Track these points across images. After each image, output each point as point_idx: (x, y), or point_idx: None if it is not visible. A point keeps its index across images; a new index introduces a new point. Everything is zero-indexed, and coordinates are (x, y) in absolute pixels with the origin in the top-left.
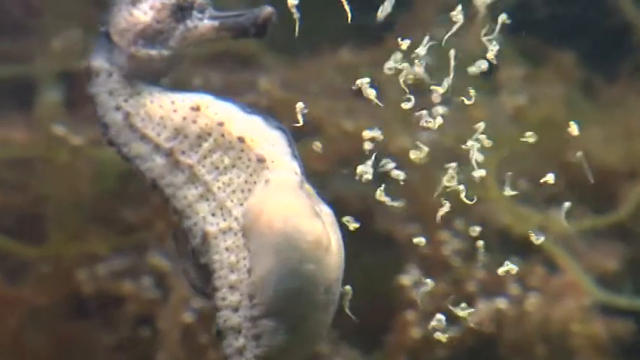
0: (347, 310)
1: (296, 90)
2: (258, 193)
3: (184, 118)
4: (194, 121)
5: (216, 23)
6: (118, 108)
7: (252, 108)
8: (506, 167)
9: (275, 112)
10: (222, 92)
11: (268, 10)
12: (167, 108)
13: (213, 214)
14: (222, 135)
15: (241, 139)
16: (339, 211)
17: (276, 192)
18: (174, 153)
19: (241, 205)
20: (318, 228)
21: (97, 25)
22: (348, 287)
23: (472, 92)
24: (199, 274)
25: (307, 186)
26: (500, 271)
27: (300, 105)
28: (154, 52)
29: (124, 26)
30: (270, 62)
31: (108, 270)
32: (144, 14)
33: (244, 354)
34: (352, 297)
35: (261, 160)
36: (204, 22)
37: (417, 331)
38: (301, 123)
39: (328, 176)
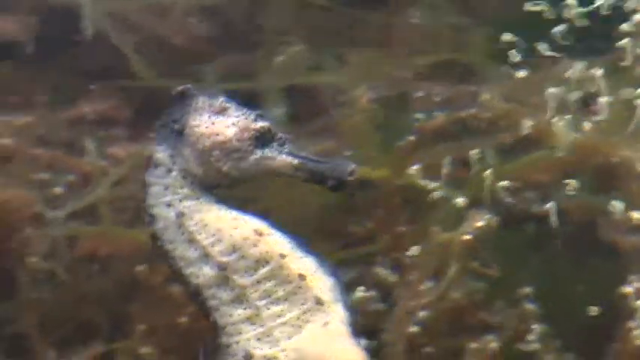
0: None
1: (517, 101)
2: (320, 335)
3: (245, 239)
4: (255, 245)
5: (295, 161)
6: (169, 205)
7: (307, 249)
8: None
9: (496, 125)
10: (446, 104)
11: (353, 167)
12: (227, 223)
13: (258, 339)
14: (281, 267)
15: (302, 277)
16: (561, 222)
17: (340, 339)
18: (228, 269)
19: (289, 338)
20: None
21: (163, 119)
22: None
23: None
24: None
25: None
26: None
27: (527, 122)
28: (225, 168)
29: (203, 132)
30: (491, 73)
31: None
32: (226, 128)
33: None
34: (577, 306)
35: (319, 303)
36: (282, 156)
37: None
38: (523, 134)
39: (551, 187)
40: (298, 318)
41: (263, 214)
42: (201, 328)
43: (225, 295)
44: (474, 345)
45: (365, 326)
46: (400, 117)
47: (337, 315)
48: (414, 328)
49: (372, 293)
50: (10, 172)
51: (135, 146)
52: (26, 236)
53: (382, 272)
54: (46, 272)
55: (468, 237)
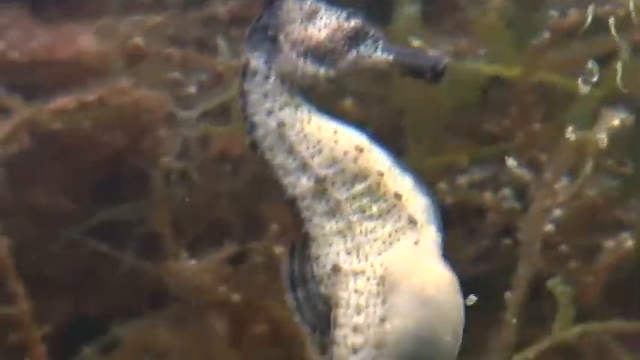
0: None
1: None
2: (409, 252)
3: (345, 153)
4: (354, 160)
5: (390, 57)
6: (270, 112)
7: (406, 166)
8: None
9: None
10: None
11: (447, 58)
12: (328, 135)
13: (348, 253)
14: (378, 184)
15: (398, 196)
16: None
17: (429, 258)
18: (325, 182)
19: (379, 254)
20: (461, 304)
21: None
22: None
23: None
24: (309, 302)
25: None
26: None
27: None
28: (322, 71)
29: (297, 37)
30: None
31: (468, 181)
32: (318, 31)
33: None
34: None
35: (412, 222)
36: (378, 53)
37: None
38: None
39: None
40: (390, 235)
41: (393, 116)
42: None
43: (319, 207)
44: (608, 243)
45: (500, 225)
46: (534, 14)
47: (429, 236)
48: (549, 227)
49: (507, 191)
50: (142, 72)
51: None
52: (159, 136)
53: (517, 170)
54: (178, 172)
55: (602, 135)
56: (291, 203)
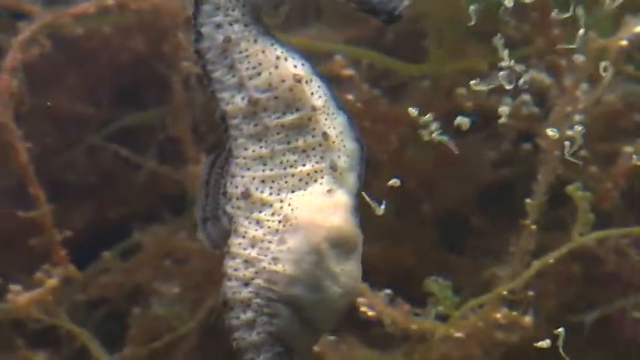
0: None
1: None
2: (319, 201)
3: (283, 81)
4: (290, 89)
5: None
6: (219, 26)
7: (341, 105)
8: None
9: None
10: None
11: (406, 4)
12: (270, 59)
13: (262, 181)
14: (310, 119)
15: (326, 136)
16: None
17: (337, 213)
18: (258, 105)
19: (292, 192)
20: (357, 265)
21: None
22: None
23: None
24: (215, 214)
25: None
26: None
27: None
28: None
29: None
30: None
31: (487, 86)
32: None
33: (254, 327)
34: None
35: (333, 168)
36: None
37: None
38: None
39: None
40: (308, 174)
41: (414, 20)
42: None
43: (247, 128)
44: (628, 148)
45: (520, 130)
46: None
47: (347, 183)
48: (569, 132)
49: (527, 97)
50: None
51: None
52: (178, 41)
53: (537, 75)
54: (198, 77)
55: (624, 42)
56: (222, 118)
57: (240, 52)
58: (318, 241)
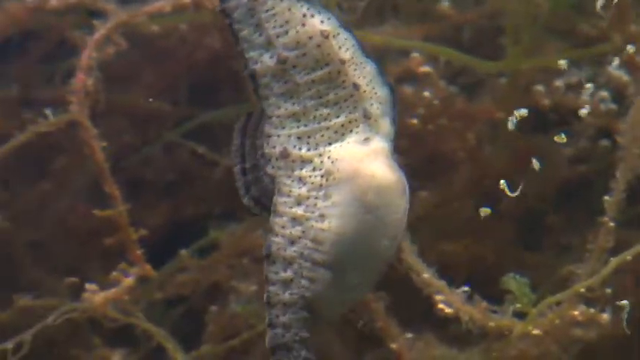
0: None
1: None
2: (358, 150)
3: (310, 38)
4: (318, 45)
5: None
6: None
7: (369, 54)
8: None
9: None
10: None
11: None
12: (297, 17)
13: (299, 138)
14: (339, 72)
15: (356, 86)
16: None
17: (377, 159)
18: (287, 63)
19: (329, 144)
20: (403, 209)
21: None
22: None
23: None
24: (256, 176)
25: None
26: None
27: None
28: None
29: None
30: None
31: (565, 83)
32: None
33: (290, 287)
34: None
35: (366, 116)
36: None
37: None
38: None
39: None
40: (342, 125)
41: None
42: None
43: (278, 86)
44: None
45: (597, 127)
46: None
47: (382, 131)
48: None
49: (605, 93)
50: None
51: None
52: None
53: (615, 72)
54: None
55: None
56: (252, 77)
57: (267, 10)
58: (363, 190)
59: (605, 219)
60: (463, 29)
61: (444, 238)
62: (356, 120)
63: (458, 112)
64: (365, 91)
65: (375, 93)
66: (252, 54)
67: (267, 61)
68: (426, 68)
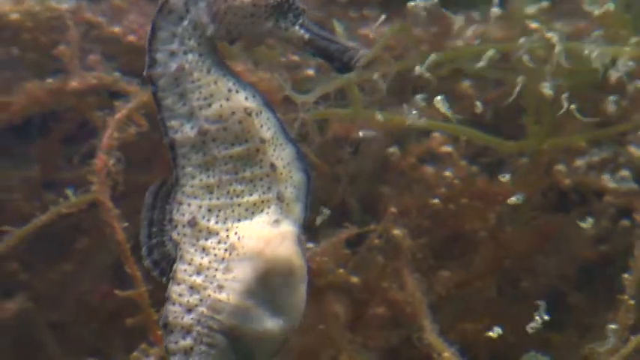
0: None
1: None
2: (266, 231)
3: (233, 113)
4: (240, 121)
5: (306, 36)
6: (173, 54)
7: (292, 134)
8: None
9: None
10: None
11: (363, 52)
12: (222, 91)
13: (209, 210)
14: (258, 150)
15: (273, 167)
16: None
17: (284, 243)
18: (207, 135)
19: (239, 220)
20: (302, 296)
21: None
22: None
23: None
24: (161, 239)
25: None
26: None
27: None
28: (237, 31)
29: None
30: None
31: (586, 162)
32: None
33: (190, 355)
34: None
35: (280, 199)
36: (295, 29)
37: None
38: None
39: None
40: (255, 204)
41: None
42: (449, 209)
43: (195, 157)
44: None
45: (618, 207)
46: None
47: (293, 214)
48: None
49: (626, 173)
50: (260, 54)
51: (385, 27)
52: None
53: (636, 151)
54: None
55: None
56: (171, 146)
57: (193, 81)
58: (266, 271)
59: (625, 297)
60: (485, 109)
61: (466, 317)
62: (269, 200)
63: (479, 191)
64: (282, 173)
65: (292, 177)
66: (174, 123)
67: (189, 131)
68: (447, 148)
